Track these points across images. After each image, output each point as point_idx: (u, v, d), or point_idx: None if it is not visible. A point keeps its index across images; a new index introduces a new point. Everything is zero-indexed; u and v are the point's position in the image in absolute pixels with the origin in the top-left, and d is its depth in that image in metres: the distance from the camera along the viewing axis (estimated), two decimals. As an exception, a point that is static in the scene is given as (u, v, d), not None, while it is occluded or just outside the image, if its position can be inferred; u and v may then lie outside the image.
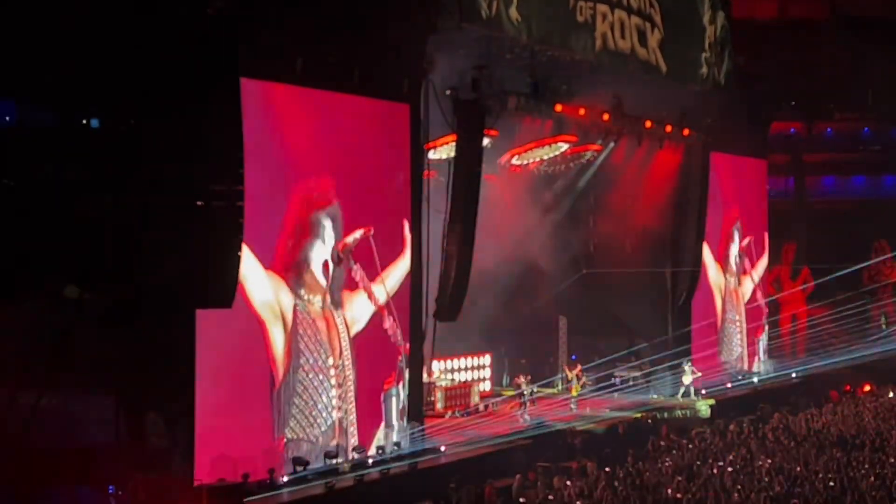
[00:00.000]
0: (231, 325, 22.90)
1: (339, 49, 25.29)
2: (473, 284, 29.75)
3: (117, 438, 22.10)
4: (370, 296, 26.31)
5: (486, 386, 37.46)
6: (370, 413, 26.27)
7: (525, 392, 34.03)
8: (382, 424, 26.61)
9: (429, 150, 29.43)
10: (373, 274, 26.40)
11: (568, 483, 25.22)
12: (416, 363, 28.38)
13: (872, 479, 24.09)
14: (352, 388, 25.63)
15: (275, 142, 24.22)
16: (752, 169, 45.65)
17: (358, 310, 26.05)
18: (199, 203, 21.28)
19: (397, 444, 26.87)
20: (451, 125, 28.69)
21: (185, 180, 21.45)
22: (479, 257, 30.31)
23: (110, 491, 21.44)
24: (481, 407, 35.27)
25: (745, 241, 44.16)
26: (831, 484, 23.42)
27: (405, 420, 27.11)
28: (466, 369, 36.59)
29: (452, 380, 35.12)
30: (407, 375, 27.27)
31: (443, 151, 30.99)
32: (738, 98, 41.10)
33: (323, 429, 24.70)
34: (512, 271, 39.51)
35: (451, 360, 35.77)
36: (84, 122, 23.77)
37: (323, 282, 25.11)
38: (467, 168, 28.44)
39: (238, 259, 21.56)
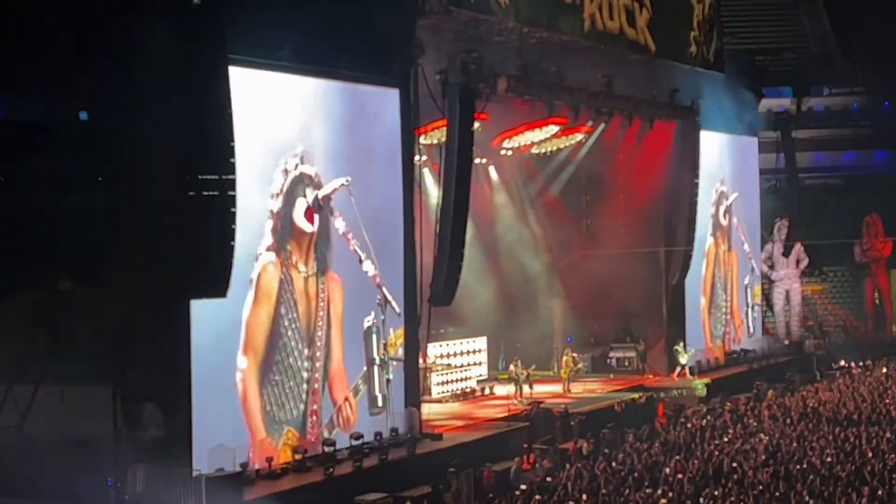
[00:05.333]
0: (226, 314, 22.91)
1: (326, 35, 25.22)
2: (467, 269, 29.77)
3: (115, 430, 22.07)
4: (349, 243, 26.35)
5: (483, 370, 37.47)
6: (351, 356, 26.47)
7: (519, 376, 34.07)
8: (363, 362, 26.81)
9: (420, 134, 29.38)
10: (353, 223, 26.39)
11: (566, 465, 25.30)
12: (412, 348, 28.39)
13: (870, 454, 24.18)
14: (323, 367, 25.68)
15: (264, 130, 24.26)
16: (742, 146, 45.69)
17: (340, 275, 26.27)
18: (191, 193, 21.20)
19: (395, 429, 26.91)
20: (442, 109, 28.64)
21: (176, 171, 21.38)
22: (472, 241, 30.35)
23: (109, 483, 21.42)
24: (478, 391, 35.33)
25: (732, 198, 44.22)
26: (829, 459, 23.50)
27: (386, 356, 27.21)
28: (462, 353, 36.57)
29: (448, 364, 35.11)
30: (385, 314, 27.40)
31: (434, 136, 30.97)
32: (727, 76, 41.10)
33: (293, 416, 24.82)
34: (505, 254, 39.63)
35: (447, 345, 35.76)
36: (73, 114, 23.65)
37: (307, 227, 25.19)
38: (459, 152, 28.40)
39: (232, 248, 21.52)
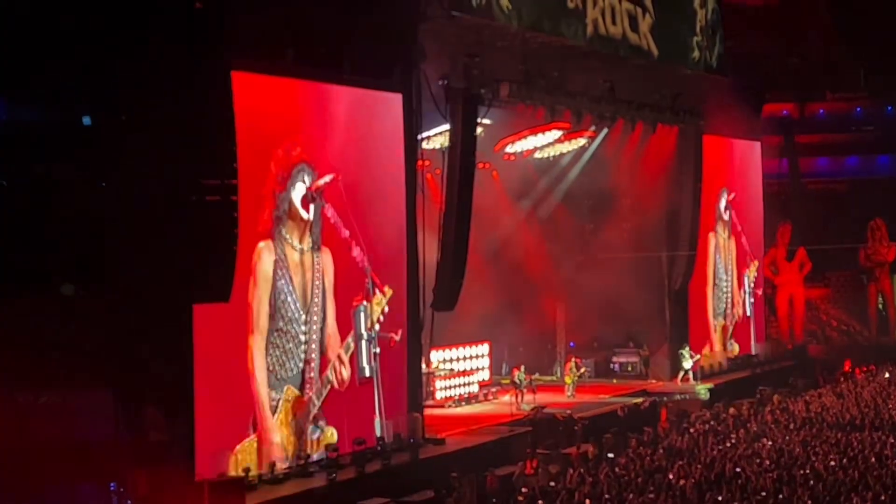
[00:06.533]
0: (228, 318, 22.91)
1: (329, 39, 25.23)
2: (470, 273, 29.76)
3: (117, 434, 22.04)
4: (340, 230, 26.55)
5: (485, 375, 37.44)
6: (343, 328, 26.74)
7: (522, 382, 34.02)
8: (351, 337, 27.02)
9: (422, 140, 29.37)
10: (343, 214, 26.59)
11: (569, 470, 25.25)
12: (415, 353, 28.37)
13: (873, 459, 24.13)
14: (320, 329, 26.13)
15: (266, 134, 24.28)
16: (745, 151, 45.68)
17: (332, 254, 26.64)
18: (193, 198, 21.21)
19: (398, 434, 26.88)
20: (445, 114, 28.64)
21: (178, 175, 21.38)
22: (476, 246, 30.34)
23: (112, 487, 21.40)
24: (480, 396, 35.30)
25: (732, 196, 44.26)
26: (832, 464, 23.45)
27: (373, 331, 27.36)
28: (465, 359, 36.53)
29: (451, 369, 35.09)
30: (374, 296, 27.62)
31: (436, 141, 30.96)
32: (730, 81, 41.09)
33: (293, 373, 25.25)
34: (508, 259, 39.60)
35: (450, 350, 35.73)
36: (76, 119, 23.63)
37: (304, 215, 25.50)
38: (462, 157, 28.41)
39: (234, 253, 21.53)
